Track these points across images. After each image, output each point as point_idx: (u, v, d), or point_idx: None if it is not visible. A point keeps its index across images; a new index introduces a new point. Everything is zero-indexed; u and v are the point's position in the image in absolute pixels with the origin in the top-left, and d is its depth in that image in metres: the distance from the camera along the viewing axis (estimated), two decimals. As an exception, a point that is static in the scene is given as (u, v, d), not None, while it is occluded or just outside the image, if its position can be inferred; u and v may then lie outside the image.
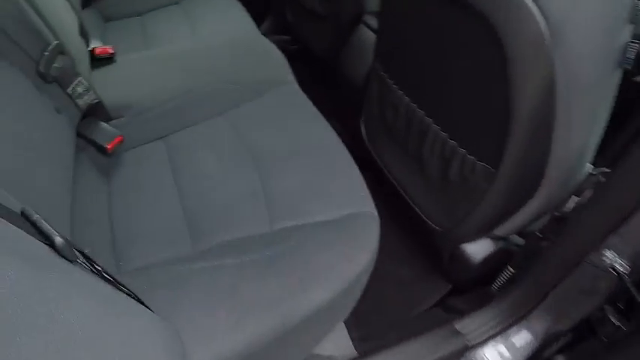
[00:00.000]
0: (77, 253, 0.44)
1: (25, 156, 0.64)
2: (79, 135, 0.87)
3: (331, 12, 1.38)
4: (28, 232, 0.39)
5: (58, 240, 0.39)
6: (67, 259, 0.40)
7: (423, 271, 1.09)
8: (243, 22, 1.42)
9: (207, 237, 0.73)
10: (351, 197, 0.78)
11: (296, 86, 1.06)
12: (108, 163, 0.89)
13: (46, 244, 0.39)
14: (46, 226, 0.40)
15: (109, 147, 0.86)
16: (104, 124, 0.89)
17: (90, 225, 0.76)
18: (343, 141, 0.90)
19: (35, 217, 0.41)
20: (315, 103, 1.01)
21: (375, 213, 0.78)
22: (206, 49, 1.15)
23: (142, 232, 0.75)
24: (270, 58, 1.14)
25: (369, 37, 1.26)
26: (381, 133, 1.14)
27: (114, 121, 0.93)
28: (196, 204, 0.78)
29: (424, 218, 1.03)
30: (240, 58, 1.12)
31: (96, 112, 0.90)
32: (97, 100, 0.89)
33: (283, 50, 1.18)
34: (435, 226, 0.99)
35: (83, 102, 0.86)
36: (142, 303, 0.50)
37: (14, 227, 0.37)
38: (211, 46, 1.17)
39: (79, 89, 0.84)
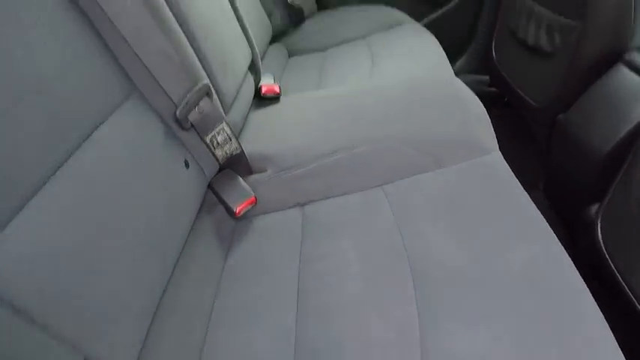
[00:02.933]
0: None
1: (127, 219, 0.50)
2: (211, 188, 0.73)
3: (566, 48, 0.97)
4: None
5: None
6: None
7: None
8: (434, 58, 1.14)
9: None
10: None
11: (499, 157, 0.71)
12: (233, 228, 0.72)
13: None
14: None
15: (236, 211, 0.69)
16: (239, 180, 0.73)
17: (181, 314, 0.58)
18: (566, 248, 0.54)
19: None
20: (521, 180, 0.65)
21: None
22: (381, 92, 0.91)
23: (235, 353, 0.54)
24: (465, 111, 0.81)
25: (630, 83, 0.85)
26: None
27: (254, 176, 0.77)
28: (315, 335, 0.52)
29: None
30: (424, 108, 0.83)
31: (235, 164, 0.75)
32: (238, 151, 0.74)
33: (478, 95, 0.85)
34: None
35: (222, 153, 0.72)
36: None
37: None
38: (389, 90, 0.92)
39: (219, 138, 0.70)
